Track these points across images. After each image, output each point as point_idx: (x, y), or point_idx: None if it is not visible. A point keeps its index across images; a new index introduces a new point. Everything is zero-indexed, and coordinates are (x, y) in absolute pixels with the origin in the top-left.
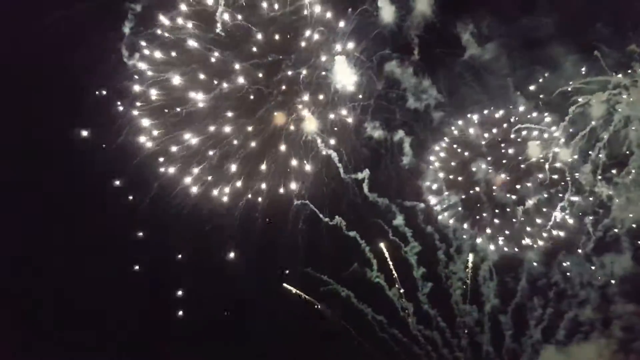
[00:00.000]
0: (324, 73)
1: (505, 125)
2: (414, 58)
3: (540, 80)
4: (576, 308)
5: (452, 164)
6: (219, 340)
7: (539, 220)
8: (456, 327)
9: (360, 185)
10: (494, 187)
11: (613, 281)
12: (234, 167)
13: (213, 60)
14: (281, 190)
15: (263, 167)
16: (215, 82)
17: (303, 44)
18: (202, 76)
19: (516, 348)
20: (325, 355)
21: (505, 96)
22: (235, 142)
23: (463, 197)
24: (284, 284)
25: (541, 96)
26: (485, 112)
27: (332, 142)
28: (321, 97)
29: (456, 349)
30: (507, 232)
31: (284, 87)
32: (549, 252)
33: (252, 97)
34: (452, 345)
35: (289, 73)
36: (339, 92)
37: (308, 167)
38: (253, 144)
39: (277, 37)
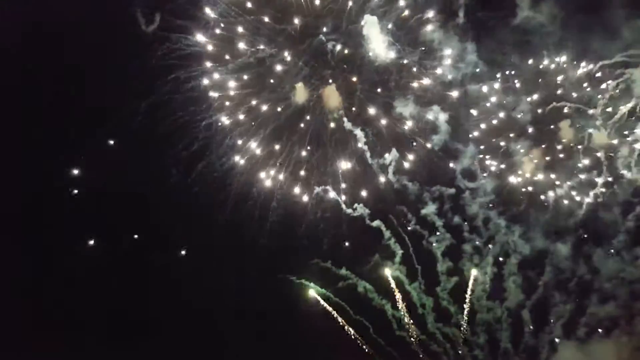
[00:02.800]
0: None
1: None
2: (458, 21)
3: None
4: (600, 304)
5: (490, 145)
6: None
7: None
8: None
9: (387, 169)
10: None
11: None
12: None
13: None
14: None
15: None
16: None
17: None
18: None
19: (536, 344)
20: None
21: (555, 68)
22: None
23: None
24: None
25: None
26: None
27: (358, 119)
28: (348, 68)
29: (475, 346)
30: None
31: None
32: (578, 244)
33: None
34: (471, 343)
35: (316, 41)
36: (368, 62)
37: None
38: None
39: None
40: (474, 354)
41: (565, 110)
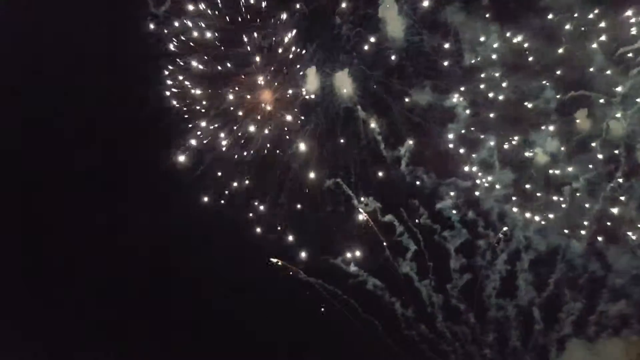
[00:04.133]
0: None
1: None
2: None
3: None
4: (611, 302)
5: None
6: None
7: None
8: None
9: (400, 161)
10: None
11: None
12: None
13: None
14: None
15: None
16: None
17: None
18: None
19: (545, 342)
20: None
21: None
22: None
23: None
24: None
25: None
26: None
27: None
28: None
29: (485, 346)
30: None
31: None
32: (592, 239)
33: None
34: (480, 342)
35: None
36: (385, 46)
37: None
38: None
39: None
40: (483, 353)
41: (585, 99)
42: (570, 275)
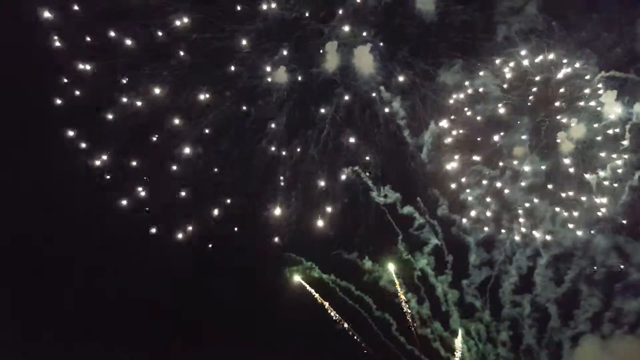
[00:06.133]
0: None
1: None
2: None
3: None
4: (628, 298)
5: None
6: None
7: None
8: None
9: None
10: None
11: None
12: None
13: None
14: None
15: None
16: None
17: None
18: None
19: (560, 337)
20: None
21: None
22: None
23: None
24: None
25: None
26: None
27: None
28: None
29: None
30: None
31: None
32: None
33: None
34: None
35: None
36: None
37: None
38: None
39: None
40: (497, 352)
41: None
42: (590, 271)
